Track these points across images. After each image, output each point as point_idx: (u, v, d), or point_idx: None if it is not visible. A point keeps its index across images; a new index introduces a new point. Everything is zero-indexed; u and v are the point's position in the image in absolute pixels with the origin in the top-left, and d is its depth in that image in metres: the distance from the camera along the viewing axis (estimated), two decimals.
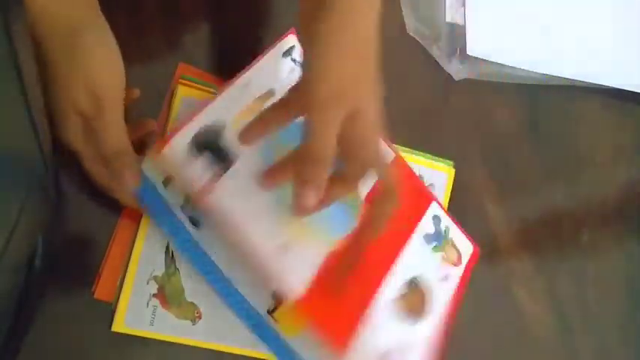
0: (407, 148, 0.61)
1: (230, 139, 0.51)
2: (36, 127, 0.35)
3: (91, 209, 0.52)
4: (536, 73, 0.65)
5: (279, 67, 0.56)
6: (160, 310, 0.52)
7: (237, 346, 0.53)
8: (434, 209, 0.59)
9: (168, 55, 0.57)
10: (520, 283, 0.61)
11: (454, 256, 0.59)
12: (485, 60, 0.65)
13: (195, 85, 0.56)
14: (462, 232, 0.60)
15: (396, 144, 0.61)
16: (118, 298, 0.52)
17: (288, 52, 0.56)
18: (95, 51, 0.49)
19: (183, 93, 0.56)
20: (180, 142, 0.49)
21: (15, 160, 0.35)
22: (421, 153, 0.61)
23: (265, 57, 0.55)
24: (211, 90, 0.56)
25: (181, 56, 0.57)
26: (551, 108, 0.66)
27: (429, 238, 0.58)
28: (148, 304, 0.52)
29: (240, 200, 0.49)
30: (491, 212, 0.62)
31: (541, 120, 0.65)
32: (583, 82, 0.66)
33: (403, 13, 0.64)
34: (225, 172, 0.50)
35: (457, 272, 0.59)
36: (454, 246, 0.59)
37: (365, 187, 0.53)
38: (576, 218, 0.65)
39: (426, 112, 0.63)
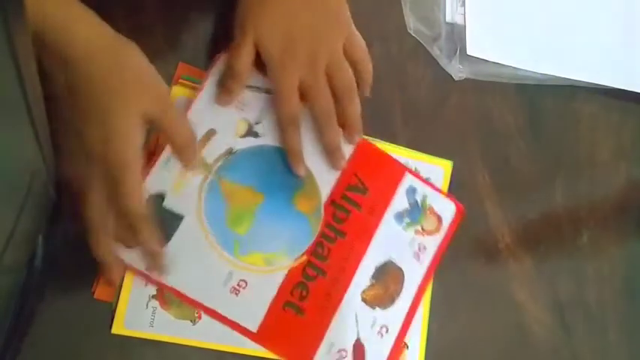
0: (406, 148, 0.61)
1: (172, 203, 0.53)
2: (36, 127, 0.35)
3: None
4: (536, 73, 0.65)
5: (213, 97, 0.56)
6: (160, 310, 0.52)
7: (238, 345, 0.53)
8: (407, 181, 0.60)
9: (168, 55, 0.57)
10: (520, 283, 0.61)
11: (433, 225, 0.60)
12: (485, 60, 0.65)
13: (197, 85, 0.56)
14: (443, 194, 0.60)
15: (395, 143, 0.61)
16: (118, 299, 0.52)
17: (222, 79, 0.56)
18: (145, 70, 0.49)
19: (179, 93, 0.56)
20: None
21: (15, 160, 0.35)
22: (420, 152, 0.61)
23: (198, 97, 0.55)
24: None
25: (181, 56, 0.57)
26: (551, 108, 0.66)
27: (400, 216, 0.59)
28: (147, 305, 0.52)
29: (186, 270, 0.52)
30: (491, 212, 0.62)
31: (541, 120, 0.65)
32: (583, 82, 0.66)
33: (403, 12, 0.64)
34: (169, 240, 0.52)
35: (435, 240, 0.60)
36: (433, 213, 0.60)
37: (324, 195, 0.57)
38: (576, 218, 0.65)
39: (426, 112, 0.63)
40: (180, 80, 0.56)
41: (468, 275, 0.61)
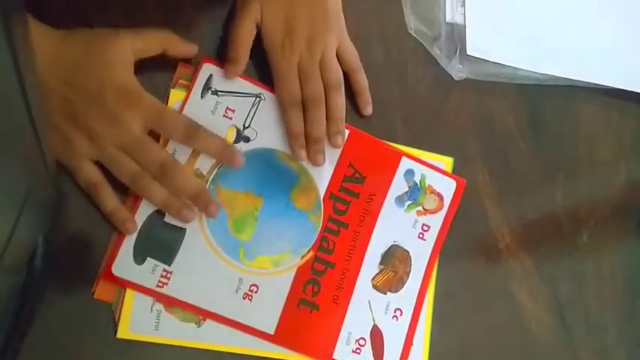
0: (407, 147, 0.61)
1: (166, 233, 0.54)
2: (36, 127, 0.35)
3: (91, 209, 0.52)
4: (536, 73, 0.65)
5: (203, 108, 0.56)
6: (164, 314, 0.52)
7: (244, 346, 0.54)
8: (404, 165, 0.60)
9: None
10: (520, 283, 0.61)
11: (434, 203, 0.60)
12: (485, 60, 0.65)
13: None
14: (442, 172, 0.61)
15: (396, 143, 0.61)
16: (120, 299, 0.52)
17: (207, 86, 0.56)
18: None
19: (177, 97, 0.56)
20: (123, 261, 0.52)
21: (15, 160, 0.35)
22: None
23: (186, 108, 0.55)
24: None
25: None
26: (551, 108, 0.66)
27: (400, 200, 0.59)
28: (151, 308, 0.52)
29: (196, 282, 0.53)
30: (491, 212, 0.62)
31: (541, 120, 0.65)
32: (583, 82, 0.66)
33: (404, 12, 0.64)
34: (175, 255, 0.53)
35: (438, 218, 0.60)
36: (433, 191, 0.60)
37: (322, 190, 0.57)
38: (576, 218, 0.65)
39: (426, 112, 0.63)
40: (180, 81, 0.56)
41: (468, 275, 0.61)
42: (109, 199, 0.51)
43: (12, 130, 0.33)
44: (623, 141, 0.67)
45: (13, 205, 0.37)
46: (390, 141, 0.60)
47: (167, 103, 0.55)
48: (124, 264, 0.52)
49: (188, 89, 0.56)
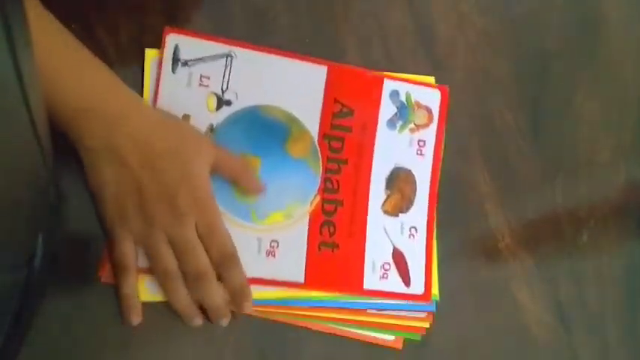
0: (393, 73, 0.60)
1: None
2: (36, 127, 0.35)
3: (91, 209, 0.52)
4: None
5: (177, 83, 0.55)
6: None
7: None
8: (388, 87, 0.60)
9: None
10: (520, 283, 0.61)
11: (424, 118, 0.61)
12: None
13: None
14: (424, 85, 0.61)
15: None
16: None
17: (176, 59, 0.56)
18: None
19: (152, 55, 0.55)
20: None
21: (15, 159, 0.35)
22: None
23: (161, 85, 0.55)
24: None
25: None
26: (551, 108, 0.66)
27: (391, 122, 0.60)
28: None
29: None
30: (491, 212, 0.62)
31: (541, 120, 0.65)
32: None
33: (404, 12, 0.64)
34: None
35: (431, 131, 0.61)
36: (421, 106, 0.61)
37: (314, 133, 0.58)
38: (576, 218, 0.65)
39: None
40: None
41: (468, 275, 0.61)
42: (131, 285, 0.51)
43: (12, 130, 0.33)
44: (623, 141, 0.67)
45: (14, 204, 0.37)
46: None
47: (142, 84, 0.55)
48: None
49: (158, 68, 0.55)
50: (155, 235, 0.51)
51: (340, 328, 0.56)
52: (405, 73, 0.61)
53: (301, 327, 0.55)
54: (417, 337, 0.58)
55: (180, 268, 0.51)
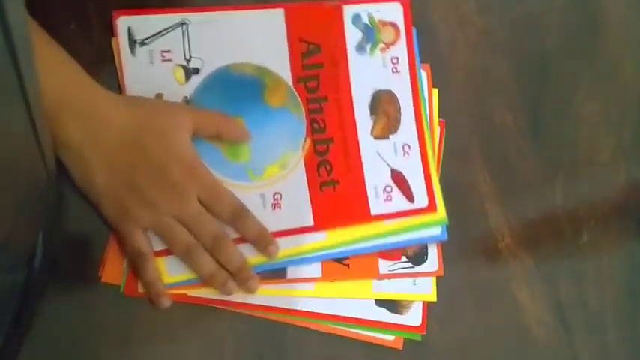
0: None
1: None
2: (36, 127, 0.35)
3: (91, 209, 0.52)
4: None
5: (140, 65, 0.55)
6: None
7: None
8: (348, 13, 0.60)
9: None
10: (520, 283, 0.61)
11: (392, 34, 0.61)
12: None
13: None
14: (383, 1, 0.61)
15: None
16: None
17: (132, 41, 0.55)
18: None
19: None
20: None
21: (15, 159, 0.35)
22: None
23: (124, 67, 0.54)
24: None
25: None
26: (551, 108, 0.66)
27: (360, 47, 0.60)
28: None
29: None
30: (491, 212, 0.62)
31: (541, 120, 0.65)
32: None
33: None
34: None
35: (401, 45, 0.61)
36: (385, 24, 0.61)
37: (288, 79, 0.57)
38: (576, 218, 0.65)
39: None
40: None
41: (468, 275, 0.61)
42: (153, 270, 0.52)
43: (12, 131, 0.33)
44: (623, 141, 0.67)
45: (13, 205, 0.37)
46: None
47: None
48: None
49: (117, 54, 0.55)
50: (163, 221, 0.51)
51: (340, 327, 0.56)
52: None
53: (301, 327, 0.55)
54: (418, 337, 0.58)
55: (197, 241, 0.52)
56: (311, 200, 0.56)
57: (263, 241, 0.54)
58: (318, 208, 0.56)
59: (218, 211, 0.53)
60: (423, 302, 0.58)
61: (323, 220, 0.56)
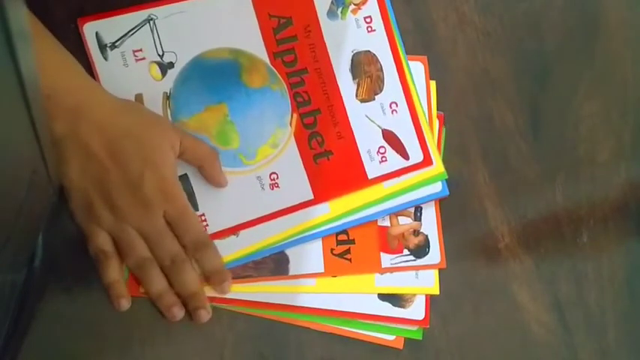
0: None
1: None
2: (36, 127, 0.35)
3: None
4: None
5: (115, 68, 0.55)
6: None
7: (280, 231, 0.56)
8: None
9: None
10: (520, 283, 0.61)
11: None
12: None
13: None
14: None
15: None
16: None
17: (102, 46, 0.55)
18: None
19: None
20: None
21: (15, 159, 0.35)
22: None
23: (98, 70, 0.54)
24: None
25: None
26: (551, 108, 0.66)
27: (332, 13, 0.60)
28: None
29: (227, 207, 0.55)
30: (491, 212, 0.62)
31: (541, 120, 0.65)
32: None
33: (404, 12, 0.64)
34: (194, 198, 0.55)
35: (372, 3, 0.60)
36: None
37: (264, 56, 0.57)
38: (576, 218, 0.65)
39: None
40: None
41: (468, 275, 0.61)
42: (113, 271, 0.51)
43: (12, 130, 0.33)
44: (623, 141, 0.67)
45: (13, 204, 0.37)
46: None
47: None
48: None
49: (90, 61, 0.54)
50: (124, 228, 0.50)
51: (341, 327, 0.56)
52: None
53: (301, 326, 0.55)
54: (418, 336, 0.58)
55: (154, 258, 0.51)
56: (307, 174, 0.57)
57: (220, 276, 0.53)
58: (315, 180, 0.57)
59: (181, 234, 0.52)
60: (426, 296, 0.58)
61: (322, 192, 0.57)
